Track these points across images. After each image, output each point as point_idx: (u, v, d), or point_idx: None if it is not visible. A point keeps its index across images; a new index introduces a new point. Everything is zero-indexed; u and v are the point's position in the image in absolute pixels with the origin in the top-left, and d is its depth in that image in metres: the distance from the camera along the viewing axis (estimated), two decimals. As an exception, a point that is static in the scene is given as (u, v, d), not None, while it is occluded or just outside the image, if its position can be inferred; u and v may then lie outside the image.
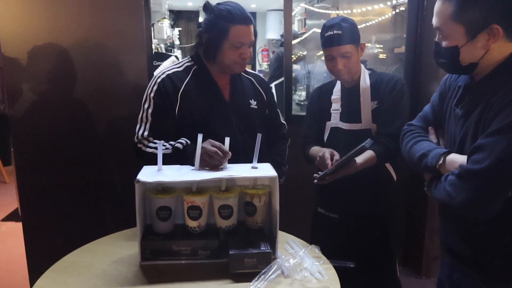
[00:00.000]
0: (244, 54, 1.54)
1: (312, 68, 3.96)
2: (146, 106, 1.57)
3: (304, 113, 3.03)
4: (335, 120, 1.79)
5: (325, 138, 1.82)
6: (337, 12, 3.58)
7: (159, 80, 1.57)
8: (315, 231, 1.94)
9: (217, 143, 1.34)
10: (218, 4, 1.55)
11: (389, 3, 3.26)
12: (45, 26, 2.12)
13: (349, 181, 1.63)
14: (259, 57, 6.92)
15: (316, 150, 1.77)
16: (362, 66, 1.78)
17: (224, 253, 1.22)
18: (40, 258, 2.21)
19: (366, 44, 2.04)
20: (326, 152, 1.62)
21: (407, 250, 2.91)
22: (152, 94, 1.56)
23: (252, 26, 1.54)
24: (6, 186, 5.15)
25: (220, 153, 1.30)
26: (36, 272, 2.21)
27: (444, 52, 1.13)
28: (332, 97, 1.81)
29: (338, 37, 1.65)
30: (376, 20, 3.35)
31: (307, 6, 4.44)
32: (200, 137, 1.27)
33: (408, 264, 2.89)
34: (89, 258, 1.29)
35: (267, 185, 1.32)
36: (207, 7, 1.55)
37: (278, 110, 1.86)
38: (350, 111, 1.75)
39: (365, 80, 1.74)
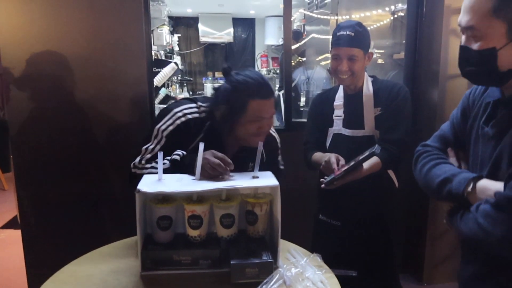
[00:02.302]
0: (263, 127, 1.42)
1: (312, 74, 3.97)
2: (155, 141, 1.47)
3: (304, 120, 3.05)
4: (337, 126, 1.79)
5: (328, 144, 1.82)
6: (336, 18, 3.60)
7: (178, 121, 1.46)
8: (317, 239, 1.93)
9: (220, 154, 1.32)
10: (238, 73, 1.42)
11: (388, 9, 3.27)
12: (45, 34, 2.12)
13: (351, 188, 1.63)
14: (258, 63, 6.93)
15: (319, 155, 1.77)
16: (365, 73, 1.78)
17: (225, 262, 1.21)
18: (39, 267, 2.21)
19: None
20: (332, 157, 1.62)
21: (408, 257, 2.90)
22: (165, 133, 1.46)
23: (273, 99, 1.42)
24: (5, 193, 5.13)
25: (223, 165, 1.29)
26: (35, 280, 2.20)
27: (476, 57, 0.97)
28: (335, 103, 1.81)
29: (350, 38, 1.66)
30: (375, 26, 3.36)
31: (306, 12, 4.46)
32: (201, 146, 1.26)
33: (409, 271, 2.87)
34: (89, 267, 1.28)
35: (268, 194, 1.31)
36: (227, 72, 1.44)
37: (279, 159, 1.74)
38: (353, 117, 1.75)
39: (368, 87, 1.74)
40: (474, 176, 0.99)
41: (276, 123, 2.90)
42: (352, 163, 1.55)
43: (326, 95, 1.90)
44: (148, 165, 1.45)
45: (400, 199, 1.92)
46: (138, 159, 1.47)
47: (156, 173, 1.31)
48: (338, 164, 1.60)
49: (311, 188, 2.59)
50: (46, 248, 2.23)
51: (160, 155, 1.27)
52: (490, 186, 0.96)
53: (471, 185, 0.98)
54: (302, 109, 3.91)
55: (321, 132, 1.85)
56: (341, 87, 1.83)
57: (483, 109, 1.07)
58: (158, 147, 1.46)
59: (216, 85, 5.98)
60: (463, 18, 0.98)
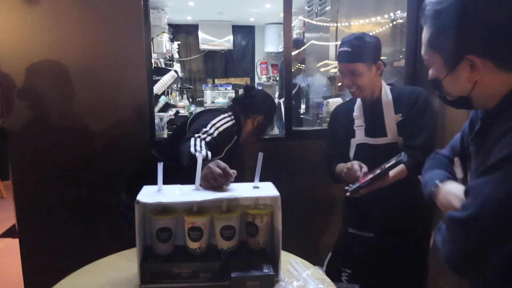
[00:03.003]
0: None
1: (312, 81, 3.96)
2: (211, 130, 1.69)
3: (305, 128, 3.03)
4: (360, 136, 1.77)
5: (351, 155, 1.79)
6: (336, 25, 3.60)
7: (228, 124, 1.78)
8: (346, 253, 1.89)
9: (223, 164, 1.31)
10: (267, 97, 2.05)
11: (387, 17, 3.27)
12: (44, 42, 2.11)
13: (381, 197, 1.60)
14: (258, 70, 6.95)
15: (342, 166, 1.76)
16: (382, 81, 1.77)
17: (225, 275, 1.19)
18: (37, 277, 2.18)
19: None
20: (355, 164, 1.61)
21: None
22: (217, 132, 1.70)
23: None
24: (4, 201, 5.10)
25: (224, 176, 1.28)
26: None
27: (431, 84, 1.01)
28: (354, 114, 1.80)
29: (347, 54, 1.66)
30: (375, 33, 3.36)
31: (306, 19, 4.46)
32: (200, 157, 1.25)
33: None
34: (88, 281, 1.26)
35: (269, 205, 1.29)
36: (249, 88, 2.05)
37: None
38: (374, 125, 1.74)
39: (386, 94, 1.73)
40: (442, 178, 1.01)
41: (276, 131, 2.88)
42: (378, 171, 1.52)
43: (345, 106, 1.90)
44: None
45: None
46: (200, 134, 1.63)
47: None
48: (361, 171, 1.58)
49: (309, 198, 2.58)
50: (44, 258, 2.20)
51: (160, 166, 1.25)
52: (451, 190, 0.97)
53: (438, 186, 1.00)
54: (302, 116, 3.90)
55: (343, 144, 1.83)
56: (358, 98, 1.82)
57: (478, 123, 1.05)
58: (208, 137, 1.64)
59: (216, 91, 5.99)
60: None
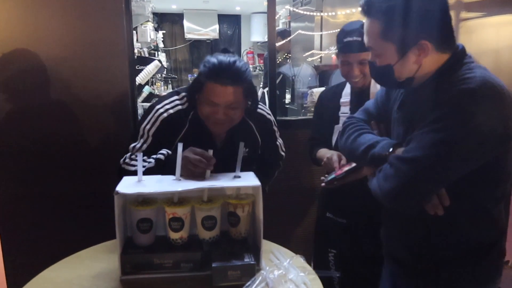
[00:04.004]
0: (217, 114, 1.40)
1: (298, 71, 3.95)
2: (142, 140, 1.48)
3: (290, 118, 3.03)
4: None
5: (333, 141, 1.80)
6: (321, 14, 3.59)
7: (161, 118, 1.47)
8: (322, 237, 1.93)
9: (199, 150, 1.31)
10: (215, 54, 1.43)
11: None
12: (20, 32, 2.05)
13: (360, 186, 1.62)
14: (244, 60, 6.90)
15: (323, 152, 1.76)
16: None
17: (207, 265, 1.19)
18: (19, 272, 2.15)
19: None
20: (335, 155, 1.61)
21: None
22: (151, 132, 1.47)
23: (232, 88, 1.38)
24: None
25: (204, 160, 1.28)
26: (15, 285, 2.14)
27: (379, 71, 1.14)
28: (341, 100, 1.80)
29: (358, 44, 1.60)
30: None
31: (292, 9, 4.44)
32: (180, 146, 1.24)
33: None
34: (68, 273, 1.25)
35: (251, 194, 1.29)
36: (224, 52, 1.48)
37: (278, 143, 1.76)
38: None
39: (375, 84, 1.73)
40: (395, 143, 1.14)
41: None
42: (354, 164, 1.54)
43: (333, 91, 1.89)
44: (134, 162, 1.45)
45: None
46: (127, 155, 1.48)
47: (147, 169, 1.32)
48: (339, 163, 1.59)
49: (293, 187, 2.58)
50: (26, 252, 2.17)
51: (140, 156, 1.24)
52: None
53: (392, 149, 1.12)
54: (287, 106, 3.90)
55: (326, 128, 1.83)
56: (348, 84, 1.81)
57: (399, 96, 1.23)
58: (145, 146, 1.47)
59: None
60: (365, 39, 1.14)
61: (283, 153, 1.79)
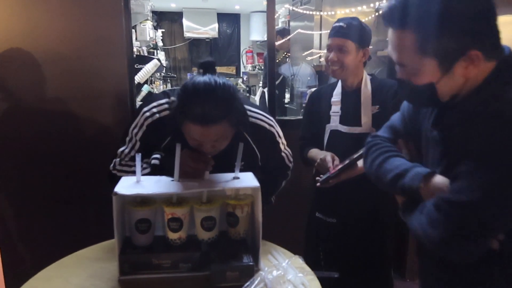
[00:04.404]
0: (201, 147, 1.27)
1: (298, 70, 3.95)
2: (130, 145, 1.42)
3: (288, 117, 3.03)
4: (334, 123, 1.78)
5: (325, 141, 1.81)
6: (321, 14, 3.58)
7: (147, 122, 1.38)
8: (312, 237, 1.94)
9: (197, 152, 1.30)
10: (193, 80, 1.21)
11: (372, 6, 3.27)
12: (19, 30, 2.05)
13: (349, 185, 1.63)
14: (243, 59, 6.90)
15: (315, 152, 1.77)
16: (364, 71, 1.78)
17: (205, 265, 1.19)
18: (17, 272, 2.14)
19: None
20: (328, 155, 1.63)
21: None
22: (138, 136, 1.40)
23: (215, 126, 1.19)
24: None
25: (202, 158, 1.27)
26: (13, 284, 2.14)
27: (417, 91, 0.96)
28: (332, 99, 1.81)
29: (341, 29, 1.68)
30: (359, 23, 3.35)
31: (291, 8, 4.43)
32: (178, 147, 1.23)
33: (393, 267, 2.89)
34: (66, 273, 1.25)
35: (250, 195, 1.29)
36: (205, 66, 1.27)
37: (284, 154, 1.60)
38: (350, 114, 1.75)
39: (366, 84, 1.74)
40: (428, 172, 0.98)
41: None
42: (347, 161, 1.55)
43: (324, 90, 1.90)
44: (126, 168, 1.42)
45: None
46: (116, 160, 1.44)
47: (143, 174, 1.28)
48: (333, 163, 1.59)
49: (292, 187, 2.58)
50: (25, 251, 2.17)
51: (138, 157, 1.23)
52: (443, 182, 0.94)
53: (424, 180, 0.96)
54: (287, 106, 3.90)
55: (318, 128, 1.84)
56: (339, 84, 1.82)
57: (431, 109, 1.05)
58: (133, 152, 1.42)
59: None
60: (392, 53, 0.95)
61: (290, 164, 1.64)
